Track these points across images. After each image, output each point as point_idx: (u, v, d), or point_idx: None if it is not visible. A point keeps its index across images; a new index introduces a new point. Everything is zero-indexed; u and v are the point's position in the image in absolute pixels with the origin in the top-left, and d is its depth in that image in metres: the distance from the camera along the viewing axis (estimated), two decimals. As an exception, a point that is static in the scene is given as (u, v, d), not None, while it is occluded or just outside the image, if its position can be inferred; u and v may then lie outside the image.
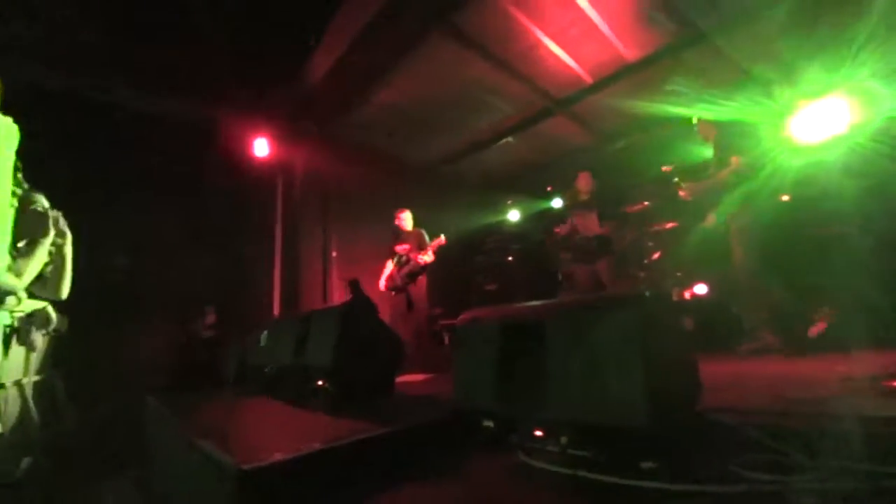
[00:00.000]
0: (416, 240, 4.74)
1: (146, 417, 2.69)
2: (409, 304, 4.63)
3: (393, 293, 4.73)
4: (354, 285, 5.72)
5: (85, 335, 3.17)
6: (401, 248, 4.79)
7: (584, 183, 4.52)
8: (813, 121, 2.72)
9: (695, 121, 3.59)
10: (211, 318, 5.36)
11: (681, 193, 3.58)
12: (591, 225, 4.33)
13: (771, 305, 2.88)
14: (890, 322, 2.24)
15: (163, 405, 2.35)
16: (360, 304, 2.38)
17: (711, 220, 3.38)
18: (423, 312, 4.66)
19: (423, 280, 4.65)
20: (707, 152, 3.68)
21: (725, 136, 3.33)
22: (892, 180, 2.35)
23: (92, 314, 3.46)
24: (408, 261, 4.67)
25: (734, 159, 3.19)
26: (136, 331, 4.90)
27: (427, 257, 4.57)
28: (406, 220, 4.89)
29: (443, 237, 4.67)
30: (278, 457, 1.16)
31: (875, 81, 2.42)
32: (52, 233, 2.43)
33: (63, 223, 2.52)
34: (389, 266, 4.81)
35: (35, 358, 2.80)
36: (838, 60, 2.67)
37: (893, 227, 2.37)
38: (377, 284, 4.81)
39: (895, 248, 2.36)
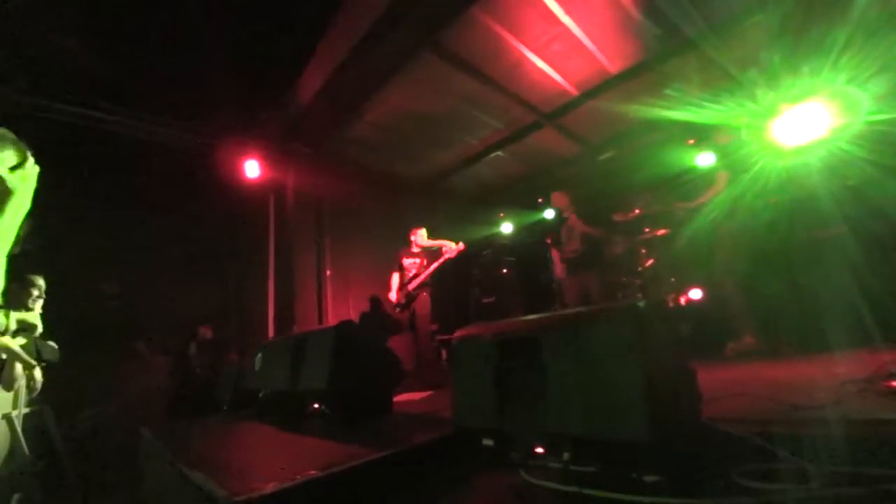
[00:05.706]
0: (427, 255, 4.69)
1: (140, 448, 2.63)
2: (413, 322, 4.54)
3: (398, 310, 4.65)
4: (375, 302, 5.65)
5: (78, 364, 3.12)
6: (409, 262, 4.71)
7: (559, 202, 4.58)
8: (795, 124, 2.77)
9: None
10: (206, 333, 5.26)
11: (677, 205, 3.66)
12: (576, 239, 4.37)
13: (755, 307, 2.93)
14: (882, 321, 2.25)
15: (156, 435, 2.29)
16: (359, 324, 2.36)
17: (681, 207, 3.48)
18: (425, 330, 4.57)
19: (425, 297, 4.58)
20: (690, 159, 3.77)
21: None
22: (871, 183, 2.40)
23: (85, 342, 3.41)
24: (417, 274, 4.62)
25: (720, 175, 3.26)
26: (131, 357, 4.83)
27: (450, 253, 4.59)
28: (421, 235, 4.85)
29: (461, 244, 4.71)
30: (272, 487, 1.13)
31: (852, 87, 2.48)
32: None
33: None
34: (396, 279, 4.72)
35: (24, 390, 2.75)
36: (818, 66, 2.73)
37: (875, 228, 2.41)
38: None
39: (880, 248, 2.40)
